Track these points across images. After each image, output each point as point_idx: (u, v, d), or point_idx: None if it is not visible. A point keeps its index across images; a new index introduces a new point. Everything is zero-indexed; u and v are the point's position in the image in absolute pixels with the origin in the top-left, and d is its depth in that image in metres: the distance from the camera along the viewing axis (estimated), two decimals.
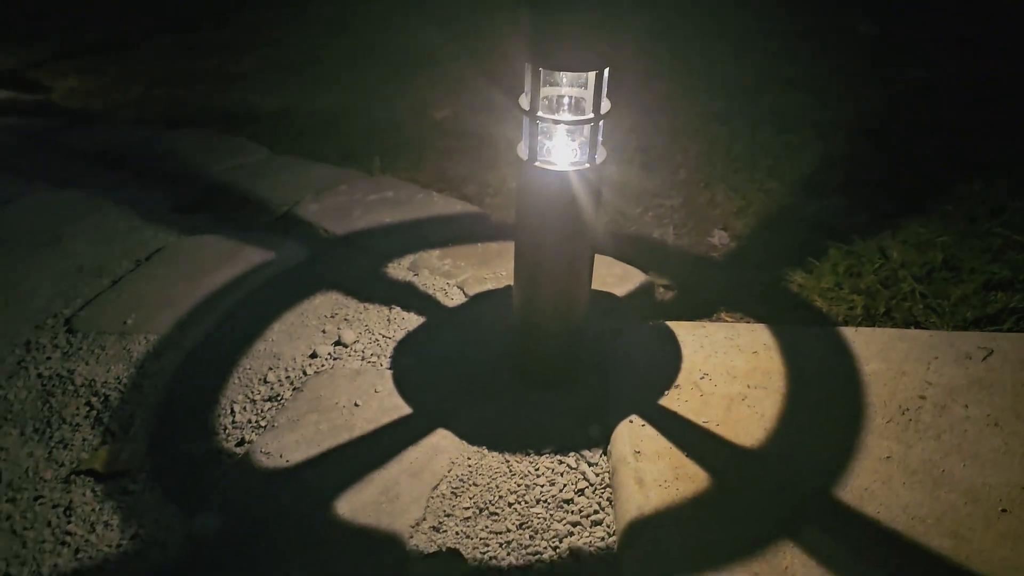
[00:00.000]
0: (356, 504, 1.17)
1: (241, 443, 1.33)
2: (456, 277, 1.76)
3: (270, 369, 1.51)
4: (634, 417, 1.27)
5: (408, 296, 1.71)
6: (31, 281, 1.86)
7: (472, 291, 1.70)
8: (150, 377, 1.50)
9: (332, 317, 1.66)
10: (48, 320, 1.70)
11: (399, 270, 1.81)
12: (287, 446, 1.29)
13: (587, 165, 1.22)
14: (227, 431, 1.36)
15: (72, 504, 1.23)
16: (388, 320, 1.64)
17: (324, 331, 1.62)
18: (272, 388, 1.46)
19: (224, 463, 1.29)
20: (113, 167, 2.54)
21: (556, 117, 1.18)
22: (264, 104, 3.27)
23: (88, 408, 1.44)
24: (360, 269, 1.82)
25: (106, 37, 4.58)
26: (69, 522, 1.20)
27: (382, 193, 2.14)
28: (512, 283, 1.62)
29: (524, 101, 1.19)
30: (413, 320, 1.63)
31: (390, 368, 1.47)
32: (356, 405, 1.37)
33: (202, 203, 2.25)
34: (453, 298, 1.69)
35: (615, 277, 1.70)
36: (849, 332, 1.44)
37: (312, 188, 2.20)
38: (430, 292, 1.71)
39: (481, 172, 2.48)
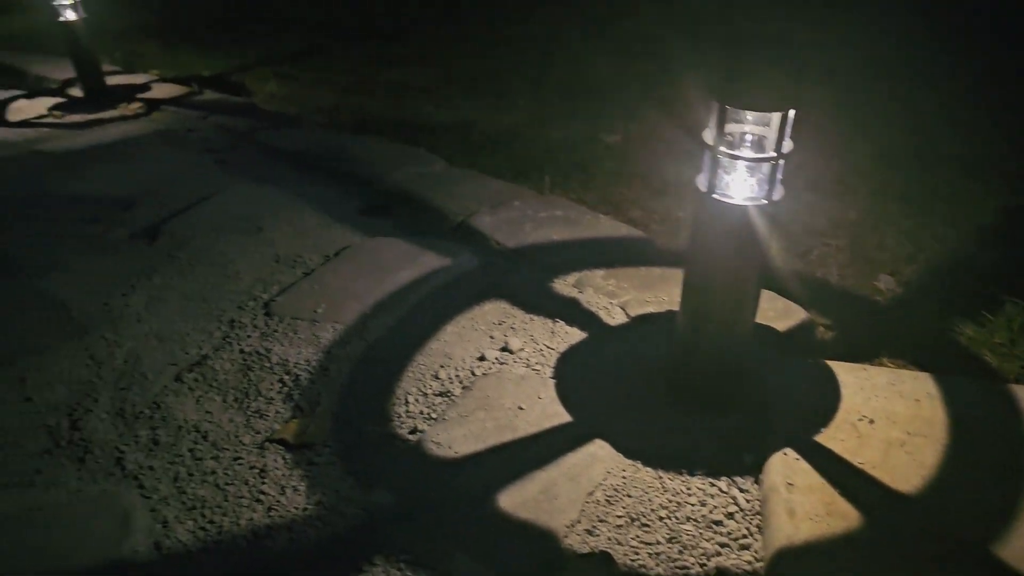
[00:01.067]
0: (517, 499, 1.26)
1: (414, 431, 1.45)
2: (619, 297, 1.83)
3: (441, 367, 1.63)
4: (788, 450, 1.29)
5: (572, 311, 1.79)
6: (236, 265, 2.08)
7: (634, 312, 1.77)
8: (336, 362, 1.65)
9: (500, 324, 1.77)
10: (249, 302, 1.90)
11: (564, 286, 1.89)
12: (456, 439, 1.40)
13: (764, 201, 1.26)
14: (401, 419, 1.49)
15: (266, 468, 1.39)
16: (552, 332, 1.72)
17: (492, 336, 1.73)
18: (443, 384, 1.58)
19: (398, 447, 1.41)
20: (307, 168, 2.77)
21: (738, 154, 1.23)
22: (443, 117, 3.46)
23: (281, 384, 1.61)
24: (528, 281, 1.92)
25: (304, 47, 4.95)
26: (263, 483, 1.36)
27: (552, 211, 2.24)
28: (674, 308, 1.68)
29: (707, 135, 1.25)
30: (576, 335, 1.71)
31: (553, 377, 1.56)
32: (520, 408, 1.47)
33: (385, 207, 2.43)
34: (615, 317, 1.76)
35: (776, 311, 1.72)
36: (1021, 391, 1.40)
37: (487, 201, 2.33)
38: (593, 310, 1.79)
39: (647, 198, 2.54)
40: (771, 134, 1.24)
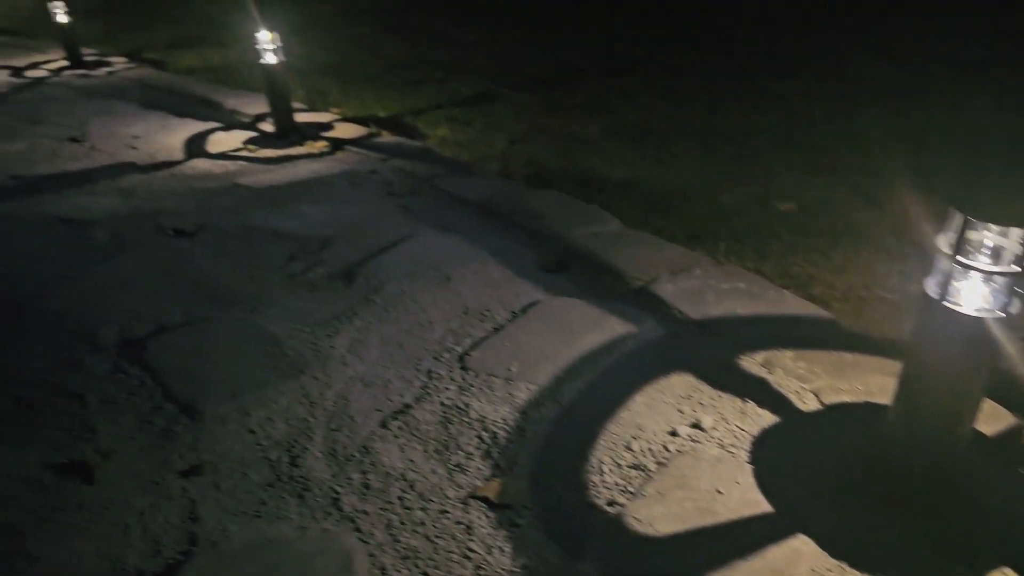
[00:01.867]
0: None
1: (612, 503, 1.49)
2: (811, 382, 1.81)
3: (633, 438, 1.66)
4: (1007, 570, 1.25)
5: (761, 392, 1.79)
6: (428, 314, 2.19)
7: (827, 399, 1.75)
8: (531, 423, 1.72)
9: (688, 398, 1.79)
10: (444, 353, 2.00)
11: (751, 364, 1.89)
12: (656, 517, 1.43)
13: (999, 313, 1.23)
14: (598, 488, 1.53)
15: (471, 524, 1.46)
16: (742, 412, 1.73)
17: (681, 411, 1.75)
18: (636, 457, 1.61)
19: (598, 518, 1.45)
20: (486, 218, 2.89)
21: (977, 266, 1.21)
22: (611, 172, 3.52)
23: (479, 440, 1.69)
24: (713, 356, 1.93)
25: (472, 93, 5.16)
26: (471, 540, 1.43)
27: (734, 283, 2.24)
28: (870, 399, 1.65)
29: (944, 242, 1.24)
30: (767, 417, 1.71)
31: (750, 463, 1.56)
32: (719, 492, 1.48)
33: (564, 264, 2.50)
34: (807, 402, 1.75)
35: (983, 414, 1.66)
36: None
37: (665, 267, 2.36)
38: (784, 392, 1.78)
39: (827, 274, 2.50)
40: (1012, 246, 1.21)
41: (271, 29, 3.98)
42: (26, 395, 1.86)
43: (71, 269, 2.54)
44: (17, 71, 6.15)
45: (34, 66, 6.31)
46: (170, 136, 4.27)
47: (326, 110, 4.79)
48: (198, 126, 4.44)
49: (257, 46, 3.99)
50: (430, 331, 2.10)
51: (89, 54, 6.38)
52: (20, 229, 2.86)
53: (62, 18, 5.87)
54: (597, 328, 2.05)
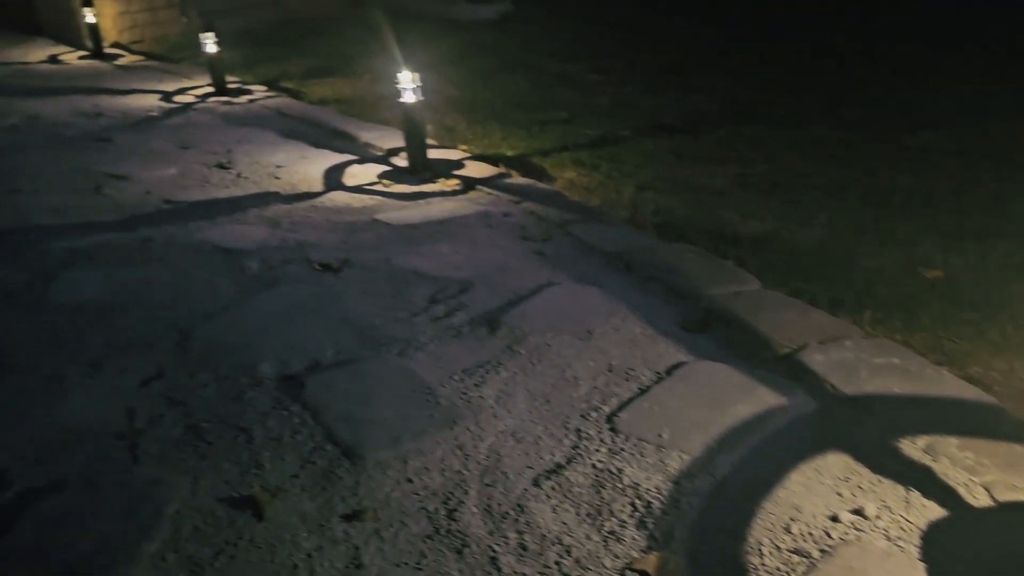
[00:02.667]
0: None
1: None
2: (980, 475, 1.74)
3: (792, 520, 1.63)
4: None
5: (926, 481, 1.73)
6: (573, 369, 2.21)
7: (1001, 497, 1.67)
8: (685, 495, 1.71)
9: (846, 481, 1.74)
10: (592, 412, 2.02)
11: (913, 449, 1.83)
12: None
13: None
14: (758, 572, 1.50)
15: None
16: (907, 502, 1.67)
17: (840, 494, 1.70)
18: (796, 541, 1.57)
19: None
20: (622, 270, 2.90)
21: None
22: (743, 227, 3.48)
23: (632, 508, 1.69)
24: (870, 436, 1.88)
25: (596, 135, 5.20)
26: None
27: (887, 358, 2.17)
28: None
29: None
30: (934, 510, 1.65)
31: (921, 560, 1.50)
32: None
33: (706, 324, 2.48)
34: (978, 498, 1.68)
35: None
36: None
37: (813, 335, 2.31)
38: (951, 484, 1.71)
39: (984, 352, 2.40)
40: None
41: (413, 70, 4.11)
42: (196, 424, 1.97)
43: (229, 299, 2.68)
44: (167, 96, 6.57)
45: (182, 91, 6.72)
46: (309, 167, 4.47)
47: (455, 147, 4.92)
48: (334, 158, 4.63)
49: (397, 85, 4.13)
50: (575, 387, 2.12)
51: (232, 82, 6.74)
52: (181, 256, 3.04)
53: (211, 48, 6.24)
54: (746, 397, 2.02)
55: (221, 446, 1.88)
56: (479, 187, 4.01)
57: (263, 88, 6.74)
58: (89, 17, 7.97)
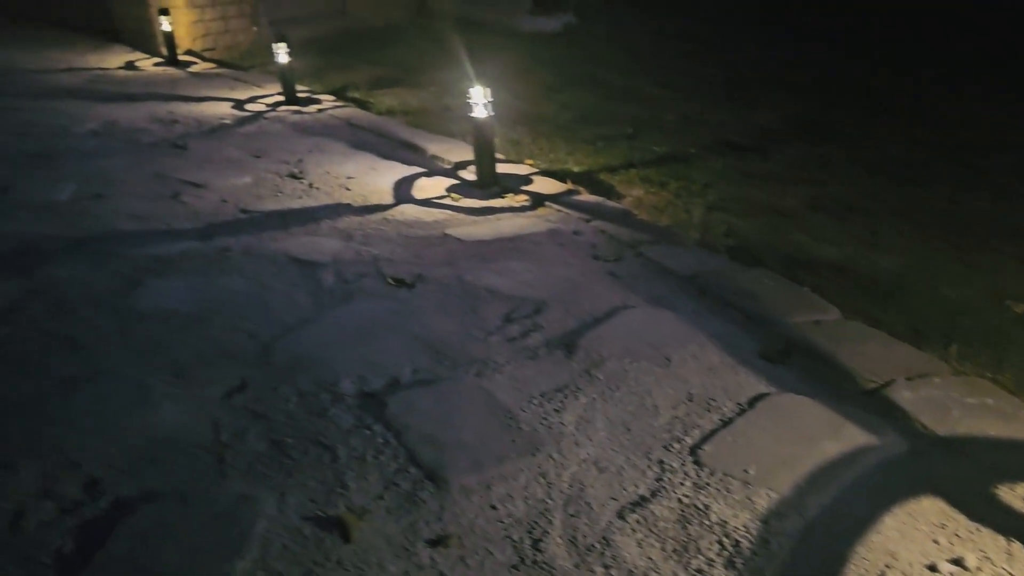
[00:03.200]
0: None
1: None
2: None
3: (887, 567, 1.58)
4: None
5: None
6: (653, 397, 2.19)
7: None
8: (775, 536, 1.67)
9: (942, 528, 1.69)
10: (674, 444, 1.99)
11: (1013, 497, 1.77)
12: None
13: None
14: None
15: None
16: (1009, 554, 1.61)
17: (936, 542, 1.65)
18: None
19: None
20: (697, 294, 2.86)
21: None
22: (818, 252, 3.41)
23: (720, 547, 1.66)
24: (966, 481, 1.82)
25: (663, 152, 5.15)
26: None
27: (980, 398, 2.11)
28: None
29: None
30: None
31: None
32: None
33: (786, 354, 2.43)
34: None
35: None
36: None
37: (899, 369, 2.26)
38: None
39: None
40: None
41: (485, 85, 4.14)
42: (281, 439, 2.00)
43: (308, 312, 2.72)
44: (239, 104, 6.71)
45: (253, 100, 6.86)
46: (379, 178, 4.52)
47: (521, 161, 4.92)
48: (403, 170, 4.67)
49: (468, 100, 4.16)
50: (656, 416, 2.10)
51: (301, 91, 6.86)
52: (259, 267, 3.10)
53: (283, 58, 6.36)
54: (834, 434, 1.98)
55: (306, 463, 1.91)
56: (548, 204, 4.00)
57: (331, 98, 6.84)
58: (165, 26, 8.19)
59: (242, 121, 6.11)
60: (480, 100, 4.17)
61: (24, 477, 1.87)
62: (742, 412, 2.10)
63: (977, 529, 1.69)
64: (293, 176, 4.61)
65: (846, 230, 3.67)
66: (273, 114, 6.32)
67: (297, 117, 6.21)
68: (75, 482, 1.85)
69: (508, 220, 3.75)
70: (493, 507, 1.76)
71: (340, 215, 3.88)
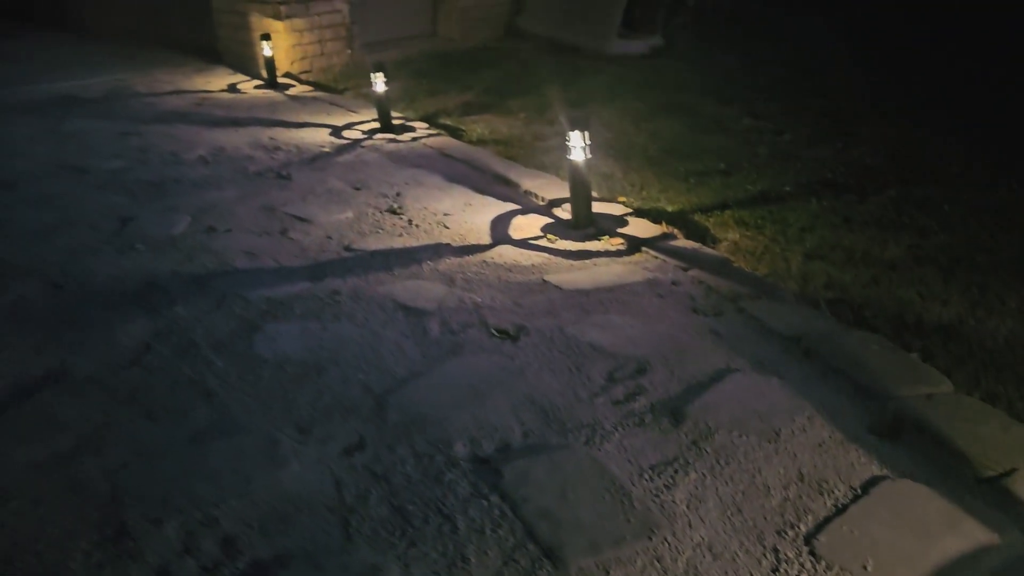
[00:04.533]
0: None
1: None
2: None
3: None
4: None
5: None
6: (764, 476, 2.21)
7: None
8: None
9: None
10: (788, 530, 2.00)
11: None
12: None
13: None
14: None
15: None
16: None
17: None
18: None
19: None
20: (800, 357, 2.86)
21: None
22: (925, 311, 3.35)
23: None
24: None
25: (757, 191, 5.11)
26: None
27: None
28: None
29: None
30: None
31: None
32: None
33: (895, 431, 2.42)
34: None
35: None
36: None
37: (1019, 456, 2.21)
38: None
39: None
40: None
41: (583, 129, 4.20)
42: (402, 505, 2.09)
43: (418, 365, 2.82)
44: (336, 130, 6.94)
45: (349, 126, 7.08)
46: (475, 216, 4.62)
47: (614, 199, 4.96)
48: (498, 207, 4.77)
49: (567, 143, 4.23)
50: (767, 498, 2.11)
51: (396, 117, 7.04)
52: (368, 313, 3.23)
53: (380, 88, 6.55)
54: (954, 529, 1.96)
55: (427, 532, 1.99)
56: (644, 249, 4.03)
57: (424, 125, 7.00)
58: (267, 50, 8.52)
59: (340, 150, 6.32)
60: (578, 144, 4.24)
61: (168, 532, 2.00)
62: (856, 498, 2.10)
63: None
64: (392, 211, 4.75)
65: (954, 286, 3.59)
66: (369, 142, 6.52)
67: (392, 146, 6.38)
68: (214, 540, 1.98)
69: (606, 267, 3.80)
70: None
71: (440, 256, 3.99)
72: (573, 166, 4.35)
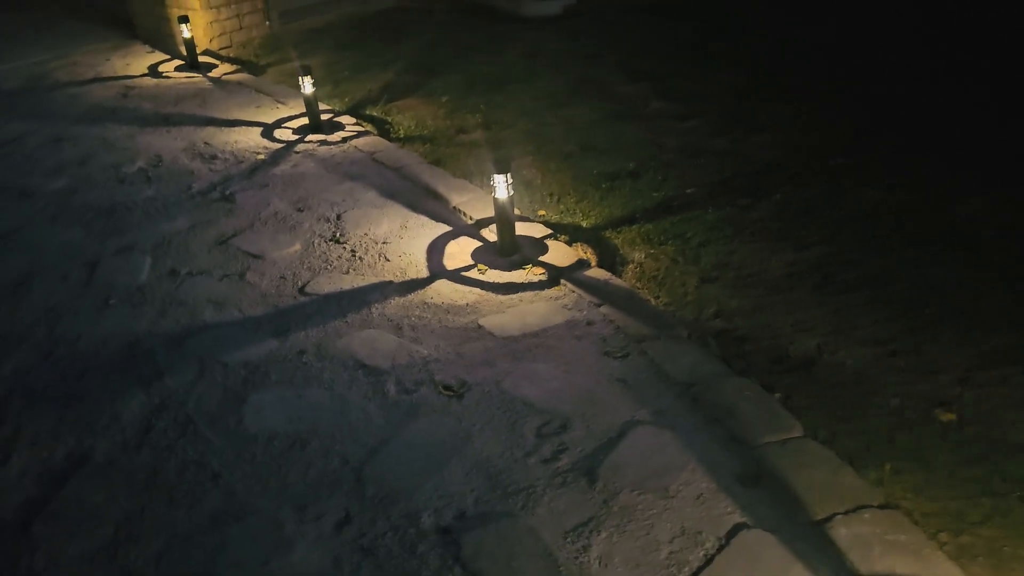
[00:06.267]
0: None
1: None
2: None
3: None
4: None
5: None
6: (655, 532, 2.98)
7: None
8: None
9: None
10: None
11: None
12: None
13: None
14: None
15: None
16: None
17: None
18: None
19: None
20: (689, 404, 3.61)
21: None
22: (793, 344, 4.13)
23: None
24: None
25: (664, 197, 5.77)
26: None
27: (896, 535, 2.89)
28: None
29: None
30: None
31: None
32: None
33: (756, 479, 3.20)
34: None
35: None
36: None
37: (839, 502, 3.01)
38: None
39: (978, 516, 3.10)
40: None
41: (506, 172, 4.78)
42: None
43: (383, 431, 3.48)
44: (268, 130, 7.29)
45: (279, 124, 7.43)
46: (411, 243, 5.20)
47: (535, 215, 5.58)
48: (431, 230, 5.35)
49: (492, 183, 4.82)
50: (658, 552, 2.89)
51: (324, 110, 7.40)
52: (334, 374, 3.84)
53: (308, 89, 6.91)
54: (786, 574, 2.78)
55: None
56: (563, 281, 4.70)
57: (352, 121, 7.38)
58: (185, 32, 8.64)
59: (276, 157, 6.71)
60: (502, 184, 4.83)
61: None
62: (721, 548, 2.89)
63: None
64: (336, 240, 5.29)
65: (819, 308, 4.29)
66: (303, 146, 6.91)
67: (325, 150, 6.80)
68: None
69: (530, 305, 4.47)
70: None
71: (386, 296, 4.59)
72: (499, 204, 4.95)
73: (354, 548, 2.90)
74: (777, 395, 3.70)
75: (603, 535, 2.95)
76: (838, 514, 2.98)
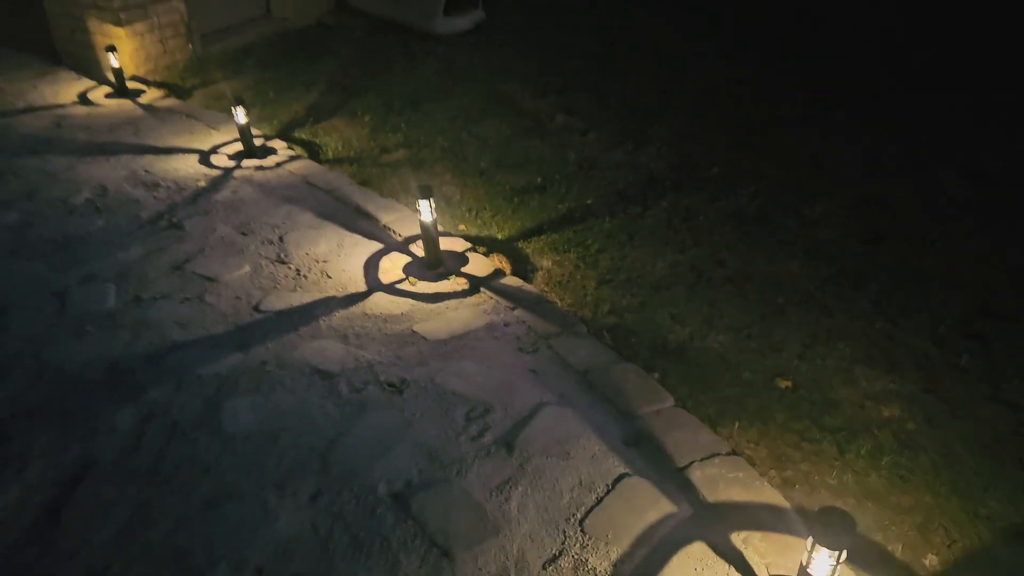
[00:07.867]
0: None
1: None
2: (766, 557, 3.52)
3: None
4: None
5: (739, 561, 3.51)
6: (560, 484, 3.94)
7: (774, 571, 3.47)
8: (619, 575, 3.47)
9: (701, 560, 3.52)
10: (570, 518, 3.76)
11: (737, 539, 3.60)
12: None
13: None
14: None
15: None
16: (727, 575, 3.46)
17: (695, 569, 3.48)
18: None
19: None
20: (587, 388, 4.56)
21: None
22: (671, 334, 5.13)
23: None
24: (718, 531, 3.64)
25: (568, 209, 6.71)
26: None
27: (736, 472, 3.90)
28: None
29: None
30: None
31: None
32: None
33: (637, 441, 4.18)
34: (760, 572, 3.47)
35: None
36: None
37: (697, 452, 3.97)
38: (750, 563, 3.50)
39: (799, 458, 4.15)
40: None
41: (429, 197, 5.64)
42: (356, 534, 3.66)
43: (340, 425, 4.31)
44: (204, 156, 7.91)
45: (215, 150, 8.06)
46: (348, 261, 5.98)
47: (456, 229, 6.44)
48: (365, 248, 6.13)
49: (417, 207, 5.67)
50: (561, 498, 3.82)
51: (256, 135, 8.07)
52: (294, 380, 4.64)
53: (241, 120, 7.58)
54: (655, 506, 3.73)
55: (375, 549, 3.58)
56: (483, 289, 5.60)
57: (283, 145, 8.07)
58: (114, 62, 9.14)
59: (216, 183, 7.34)
60: (426, 208, 5.68)
61: (222, 571, 3.48)
62: (608, 492, 3.86)
63: (716, 560, 3.50)
64: (281, 261, 6.03)
65: (692, 304, 5.32)
66: (240, 172, 7.55)
67: (261, 175, 7.48)
68: (251, 571, 3.49)
69: (455, 312, 5.32)
70: (480, 569, 3.49)
71: (331, 310, 5.37)
72: (424, 225, 5.79)
73: (326, 514, 3.73)
74: (655, 375, 4.67)
75: (519, 490, 3.86)
76: (695, 462, 3.96)
